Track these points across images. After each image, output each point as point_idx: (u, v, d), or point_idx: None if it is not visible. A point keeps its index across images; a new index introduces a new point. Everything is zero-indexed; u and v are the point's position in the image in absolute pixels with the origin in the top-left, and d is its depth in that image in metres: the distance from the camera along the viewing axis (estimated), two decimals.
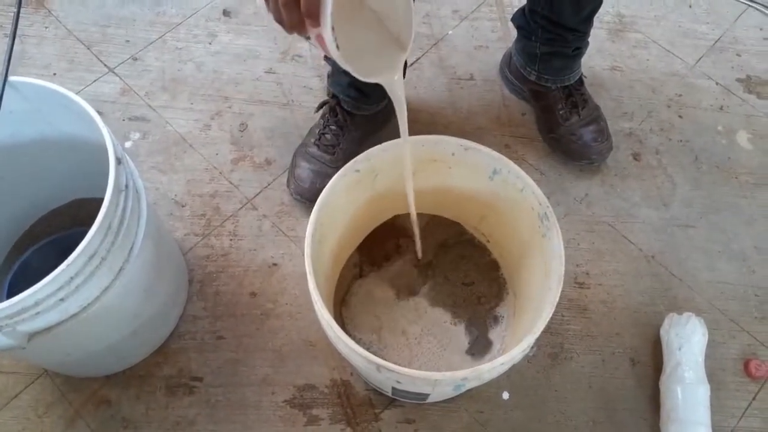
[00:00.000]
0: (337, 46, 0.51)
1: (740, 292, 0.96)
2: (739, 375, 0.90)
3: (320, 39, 0.53)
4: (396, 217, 0.92)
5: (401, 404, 0.86)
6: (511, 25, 1.06)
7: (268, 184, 1.02)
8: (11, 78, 0.66)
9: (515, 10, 1.04)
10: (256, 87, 1.12)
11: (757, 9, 1.27)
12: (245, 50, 1.16)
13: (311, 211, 0.70)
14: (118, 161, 0.63)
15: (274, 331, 0.90)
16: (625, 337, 0.92)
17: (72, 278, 0.59)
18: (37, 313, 0.59)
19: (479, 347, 0.86)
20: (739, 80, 1.17)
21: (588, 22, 0.96)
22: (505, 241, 0.86)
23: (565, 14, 0.93)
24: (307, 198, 0.96)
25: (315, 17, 0.50)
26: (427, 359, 0.85)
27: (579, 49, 0.99)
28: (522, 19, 1.01)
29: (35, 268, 0.85)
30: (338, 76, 0.95)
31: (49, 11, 1.18)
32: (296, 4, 0.50)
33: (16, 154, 0.76)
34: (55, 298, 0.59)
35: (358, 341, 0.83)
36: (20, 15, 0.67)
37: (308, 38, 0.55)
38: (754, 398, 0.88)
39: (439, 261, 0.91)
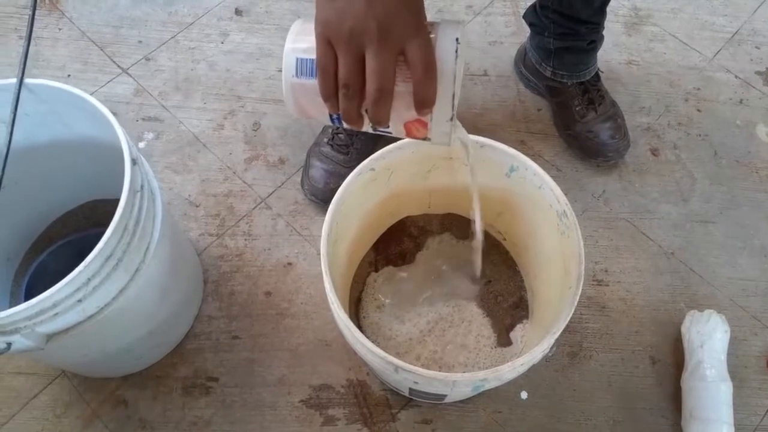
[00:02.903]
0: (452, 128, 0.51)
1: (762, 289, 0.95)
2: (762, 372, 0.88)
3: (415, 125, 0.51)
4: (410, 217, 0.92)
5: (418, 404, 0.85)
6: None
7: (282, 184, 1.02)
8: (27, 80, 0.66)
9: (529, 4, 1.03)
10: (268, 86, 1.11)
11: None
12: (257, 49, 1.15)
13: (325, 211, 0.69)
14: (133, 162, 0.63)
15: (289, 330, 0.90)
16: (645, 335, 0.91)
17: (89, 279, 0.59)
18: (55, 315, 0.59)
19: (497, 346, 0.85)
20: (758, 73, 1.15)
21: (601, 13, 0.94)
22: (522, 239, 0.85)
23: (576, 6, 0.92)
24: (321, 198, 0.96)
25: (431, 106, 0.48)
26: (445, 359, 0.84)
27: (594, 42, 0.98)
28: (533, 16, 1.00)
29: (52, 270, 0.86)
30: None
31: (63, 13, 1.18)
32: (389, 100, 0.47)
33: (32, 156, 0.76)
34: (72, 299, 0.59)
35: (374, 341, 0.83)
36: (34, 17, 0.67)
37: (382, 128, 0.53)
38: None
39: (456, 259, 0.90)
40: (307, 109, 0.54)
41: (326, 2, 0.47)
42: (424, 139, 0.53)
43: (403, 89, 0.48)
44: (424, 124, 0.51)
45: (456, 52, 0.48)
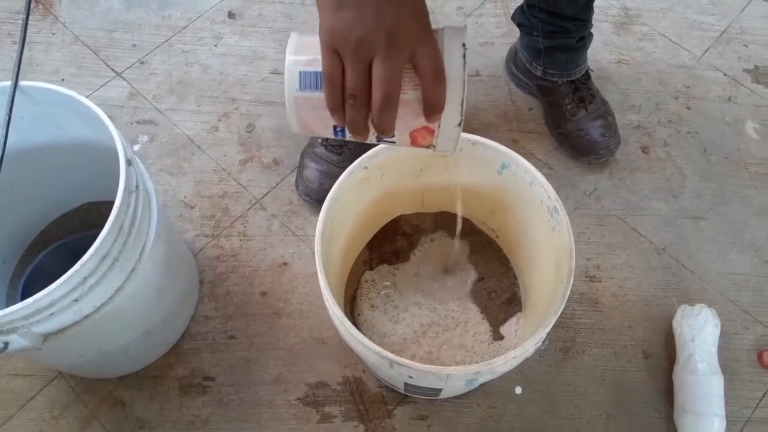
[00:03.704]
0: (459, 134, 0.51)
1: (752, 283, 0.96)
2: (752, 366, 0.90)
3: (421, 132, 0.51)
4: (404, 215, 0.92)
5: (414, 400, 0.86)
6: None
7: (277, 185, 1.02)
8: (22, 83, 0.67)
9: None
10: (262, 88, 1.12)
11: None
12: (251, 51, 1.16)
13: (319, 211, 0.70)
14: (129, 162, 0.63)
15: (285, 329, 0.91)
16: (637, 330, 0.92)
17: (85, 279, 0.59)
18: (52, 314, 0.59)
19: (493, 342, 0.85)
20: (746, 71, 1.17)
21: (587, 9, 0.95)
22: (515, 236, 0.86)
23: (561, 4, 0.93)
24: (316, 199, 0.96)
25: (440, 112, 0.48)
26: (439, 354, 0.85)
27: (583, 39, 0.99)
28: (521, 16, 1.01)
29: (48, 271, 0.85)
30: None
31: (56, 18, 1.19)
32: (395, 107, 0.47)
33: (27, 159, 0.77)
34: (69, 298, 0.59)
35: (369, 338, 0.83)
36: (28, 21, 0.67)
37: (387, 138, 0.52)
38: None
39: (449, 256, 0.91)
40: (311, 124, 0.52)
41: (332, 12, 0.46)
42: (428, 146, 0.53)
43: (410, 97, 0.48)
44: (431, 131, 0.51)
45: (463, 57, 0.48)
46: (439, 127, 0.51)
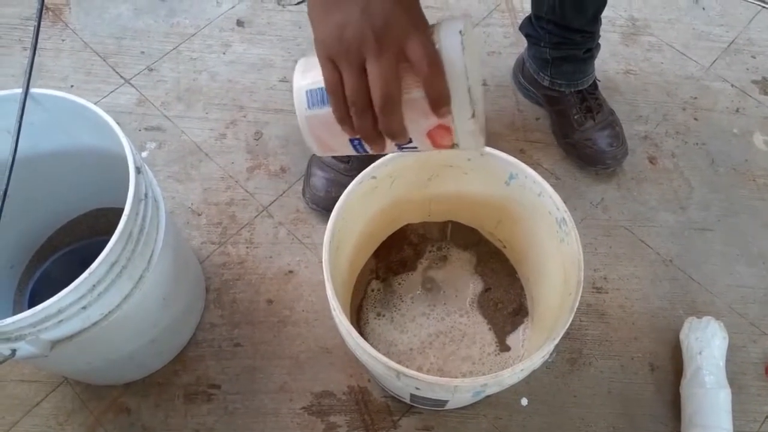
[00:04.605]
0: (481, 129, 0.49)
1: (760, 296, 0.95)
2: (760, 379, 0.89)
3: (438, 132, 0.49)
4: (411, 224, 0.92)
5: (419, 411, 0.85)
6: None
7: (284, 192, 1.02)
8: (31, 90, 0.67)
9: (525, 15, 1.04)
10: (270, 96, 1.12)
11: None
12: (259, 59, 1.17)
13: (326, 219, 0.70)
14: (138, 170, 0.63)
15: (291, 338, 0.90)
16: (644, 342, 0.91)
17: (94, 286, 0.59)
18: (60, 321, 0.59)
19: (500, 353, 0.85)
20: (754, 82, 1.17)
21: (595, 21, 0.96)
22: (522, 247, 0.86)
23: (569, 16, 0.93)
24: (323, 207, 0.96)
25: (447, 103, 0.46)
26: (446, 365, 0.84)
27: (590, 50, 0.99)
28: (529, 27, 1.02)
29: (55, 278, 0.86)
30: None
31: (66, 24, 1.20)
32: (397, 106, 0.45)
33: (37, 165, 0.77)
34: (77, 306, 0.59)
35: (375, 347, 0.83)
36: (40, 27, 0.68)
37: (406, 144, 0.50)
38: None
39: (456, 266, 0.91)
40: (328, 142, 0.52)
41: (322, 19, 0.46)
42: (452, 146, 0.51)
43: (415, 95, 0.47)
44: (447, 129, 0.49)
45: (461, 44, 0.46)
46: (453, 122, 0.48)
